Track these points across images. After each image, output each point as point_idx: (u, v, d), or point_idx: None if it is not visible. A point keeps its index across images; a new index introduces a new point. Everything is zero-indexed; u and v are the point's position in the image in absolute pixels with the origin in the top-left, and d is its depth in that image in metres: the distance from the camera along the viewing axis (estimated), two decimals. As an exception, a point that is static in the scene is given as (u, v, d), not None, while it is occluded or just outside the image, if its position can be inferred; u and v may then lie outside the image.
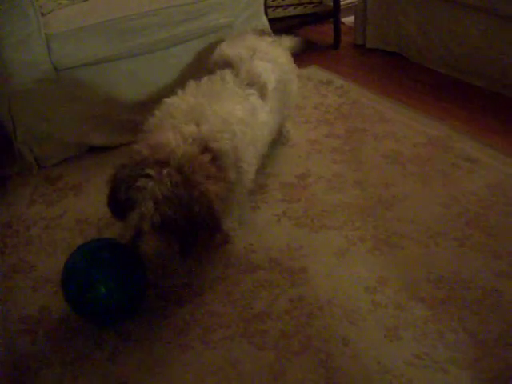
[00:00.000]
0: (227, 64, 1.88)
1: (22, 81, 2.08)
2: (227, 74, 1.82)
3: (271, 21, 2.75)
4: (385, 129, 2.35)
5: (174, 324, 1.53)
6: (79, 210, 1.99)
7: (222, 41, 2.13)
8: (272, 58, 1.97)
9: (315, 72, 2.90)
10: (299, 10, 3.16)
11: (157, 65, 2.31)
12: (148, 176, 1.39)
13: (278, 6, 3.13)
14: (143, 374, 1.41)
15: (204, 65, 2.15)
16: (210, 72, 1.87)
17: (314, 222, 1.86)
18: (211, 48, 2.17)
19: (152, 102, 2.30)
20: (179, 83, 2.34)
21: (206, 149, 1.50)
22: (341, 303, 1.55)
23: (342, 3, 3.21)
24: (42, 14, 2.13)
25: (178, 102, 1.64)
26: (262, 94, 1.84)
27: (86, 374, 1.41)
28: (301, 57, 3.11)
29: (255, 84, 1.83)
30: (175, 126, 1.52)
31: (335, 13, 3.19)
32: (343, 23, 3.42)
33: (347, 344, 1.43)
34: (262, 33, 2.29)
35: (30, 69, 2.07)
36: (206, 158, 1.49)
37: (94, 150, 2.32)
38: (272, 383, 1.35)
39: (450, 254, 1.68)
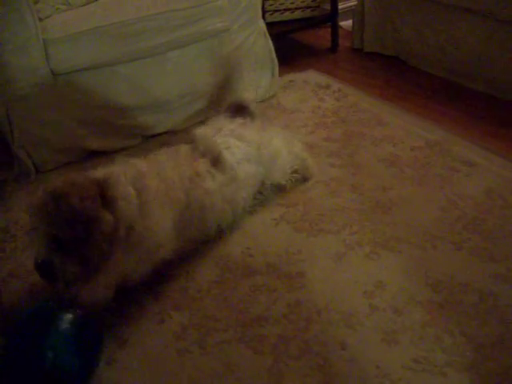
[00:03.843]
0: (191, 141, 1.84)
1: (20, 85, 2.08)
2: (184, 147, 1.79)
3: (269, 25, 2.76)
4: (382, 132, 2.35)
5: (171, 328, 1.52)
6: (77, 215, 1.99)
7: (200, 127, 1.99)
8: (242, 135, 1.88)
9: (313, 76, 2.91)
10: (297, 15, 3.17)
11: (154, 69, 2.31)
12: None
13: (275, 11, 3.13)
14: (140, 378, 1.40)
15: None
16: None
17: (312, 227, 1.86)
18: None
19: (149, 106, 2.36)
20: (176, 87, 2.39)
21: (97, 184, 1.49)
22: (339, 307, 1.55)
23: (339, 7, 3.22)
24: (40, 19, 2.13)
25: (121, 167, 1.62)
26: (216, 163, 1.77)
27: (84, 379, 1.41)
28: (299, 60, 3.15)
29: (209, 155, 1.78)
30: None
31: (333, 17, 3.20)
32: (341, 27, 3.43)
33: (345, 348, 1.43)
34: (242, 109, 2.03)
35: (28, 73, 2.07)
36: (91, 187, 1.46)
37: (92, 155, 2.32)
38: (269, 388, 1.35)
39: (447, 258, 1.68)
